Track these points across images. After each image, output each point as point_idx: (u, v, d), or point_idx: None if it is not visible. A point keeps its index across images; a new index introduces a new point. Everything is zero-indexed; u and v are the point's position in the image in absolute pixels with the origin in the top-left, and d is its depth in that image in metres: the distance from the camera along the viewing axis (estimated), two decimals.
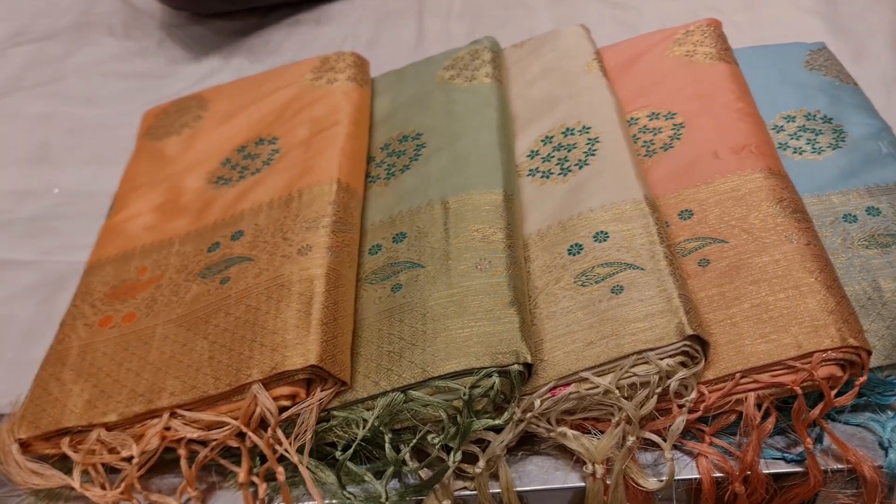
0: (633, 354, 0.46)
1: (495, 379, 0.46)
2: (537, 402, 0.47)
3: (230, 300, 0.52)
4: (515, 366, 0.46)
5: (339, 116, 0.64)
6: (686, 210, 0.56)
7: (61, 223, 0.74)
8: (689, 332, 0.46)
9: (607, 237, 0.52)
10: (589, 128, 0.60)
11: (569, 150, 0.60)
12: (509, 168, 0.58)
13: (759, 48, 0.73)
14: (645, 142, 0.62)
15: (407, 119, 0.66)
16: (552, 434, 0.48)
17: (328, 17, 0.96)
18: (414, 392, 0.47)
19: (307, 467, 0.45)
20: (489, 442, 0.47)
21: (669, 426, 0.47)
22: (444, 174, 0.58)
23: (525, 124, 0.64)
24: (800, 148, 0.63)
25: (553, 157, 0.60)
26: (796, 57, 0.72)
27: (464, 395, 0.45)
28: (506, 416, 0.46)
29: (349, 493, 0.46)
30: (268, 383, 0.46)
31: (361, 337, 0.50)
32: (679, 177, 0.59)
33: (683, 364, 0.47)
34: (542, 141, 0.62)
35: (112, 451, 0.48)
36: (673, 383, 0.47)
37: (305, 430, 0.45)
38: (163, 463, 0.50)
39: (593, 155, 0.58)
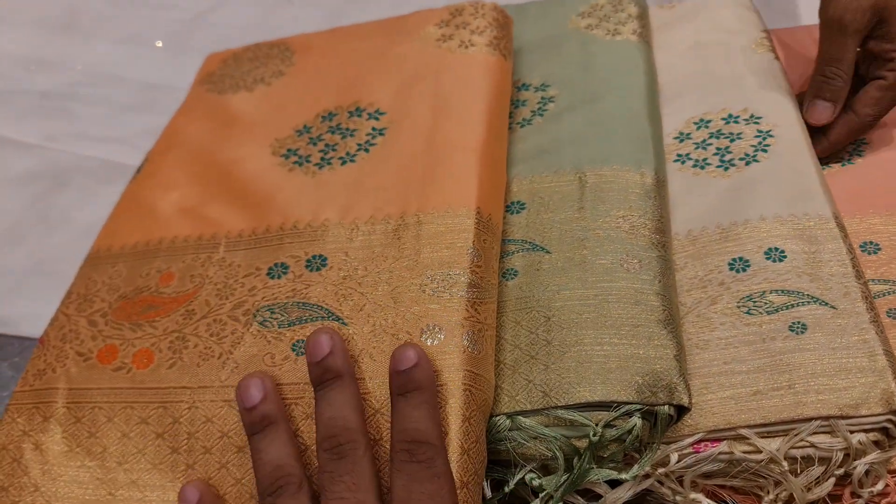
0: (816, 419, 0.35)
1: (636, 421, 0.34)
2: (674, 457, 0.36)
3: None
4: (666, 407, 0.34)
5: (478, 103, 0.45)
6: (870, 242, 0.45)
7: (78, 106, 0.64)
8: None
9: (784, 257, 0.41)
10: (759, 118, 0.48)
11: (731, 140, 0.48)
12: (659, 147, 0.46)
13: None
14: None
15: (529, 65, 0.53)
16: (678, 498, 0.37)
17: None
18: (524, 419, 0.35)
19: None
20: (595, 494, 0.36)
21: None
22: (578, 139, 0.46)
23: (670, 100, 0.52)
24: None
25: (710, 144, 0.48)
26: None
27: (593, 434, 0.34)
28: (635, 469, 0.35)
29: None
30: None
31: None
32: (860, 198, 0.47)
33: (877, 444, 0.36)
34: (696, 124, 0.50)
35: None
36: (860, 466, 0.35)
37: None
38: None
39: (764, 151, 0.46)
